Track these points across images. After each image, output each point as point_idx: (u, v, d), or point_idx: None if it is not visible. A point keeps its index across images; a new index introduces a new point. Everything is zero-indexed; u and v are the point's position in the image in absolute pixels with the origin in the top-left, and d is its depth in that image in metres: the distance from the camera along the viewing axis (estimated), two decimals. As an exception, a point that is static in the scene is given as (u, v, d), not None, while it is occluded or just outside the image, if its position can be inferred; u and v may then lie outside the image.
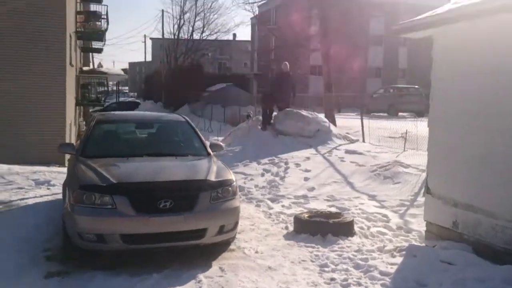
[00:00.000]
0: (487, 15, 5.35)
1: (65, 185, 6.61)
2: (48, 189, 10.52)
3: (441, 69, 6.56)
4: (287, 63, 16.23)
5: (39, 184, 10.93)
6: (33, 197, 9.43)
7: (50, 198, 9.34)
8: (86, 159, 6.68)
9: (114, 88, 42.62)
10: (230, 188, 6.21)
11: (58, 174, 11.92)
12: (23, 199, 9.29)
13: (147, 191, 5.77)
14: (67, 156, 15.21)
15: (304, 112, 15.70)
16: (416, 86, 30.98)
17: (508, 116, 5.41)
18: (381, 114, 27.22)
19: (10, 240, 6.58)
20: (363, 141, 15.28)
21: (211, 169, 6.42)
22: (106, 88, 28.29)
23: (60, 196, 9.14)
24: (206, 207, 5.87)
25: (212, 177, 6.19)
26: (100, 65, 31.79)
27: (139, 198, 5.66)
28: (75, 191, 5.74)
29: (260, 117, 16.21)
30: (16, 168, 12.29)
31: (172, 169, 6.58)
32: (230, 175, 6.53)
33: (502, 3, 5.08)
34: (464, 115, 6.10)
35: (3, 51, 15.16)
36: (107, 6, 26.09)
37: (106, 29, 25.91)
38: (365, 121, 16.07)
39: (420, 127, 13.04)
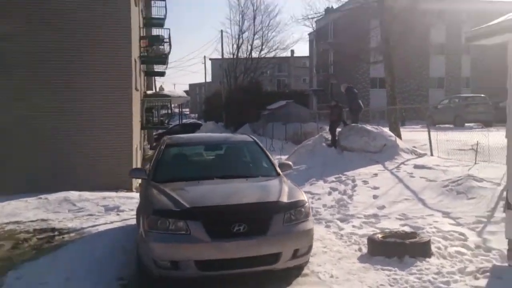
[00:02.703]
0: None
1: (139, 211, 6.66)
2: (118, 215, 10.75)
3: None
4: (343, 84, 17.26)
5: (108, 210, 11.23)
6: (104, 224, 9.65)
7: (120, 224, 9.53)
8: (158, 183, 6.72)
9: (176, 110, 43.40)
10: (303, 209, 6.09)
11: (126, 200, 12.19)
12: (94, 226, 9.53)
13: (221, 215, 5.72)
14: (135, 181, 15.66)
15: (369, 127, 15.49)
16: (482, 95, 29.96)
17: None
18: (447, 125, 26.44)
19: (83, 268, 6.72)
20: (431, 154, 14.81)
21: (282, 190, 6.33)
22: (169, 111, 28.77)
23: (129, 222, 9.36)
24: (280, 230, 5.77)
25: (285, 198, 6.09)
26: (161, 88, 32.34)
27: (213, 222, 5.60)
28: (149, 217, 5.76)
29: (325, 134, 16.17)
30: (86, 194, 12.66)
31: (244, 191, 6.51)
32: (303, 196, 6.41)
33: None
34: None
35: (71, 78, 15.61)
36: (169, 29, 26.74)
37: (169, 52, 26.50)
38: (432, 133, 15.63)
39: (491, 138, 12.58)
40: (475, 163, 12.40)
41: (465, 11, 43.74)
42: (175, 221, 5.59)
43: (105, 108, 15.98)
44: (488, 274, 5.71)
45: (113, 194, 13.24)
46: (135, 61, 18.73)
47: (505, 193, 6.89)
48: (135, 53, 19.14)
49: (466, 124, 26.29)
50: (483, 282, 5.53)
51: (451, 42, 47.89)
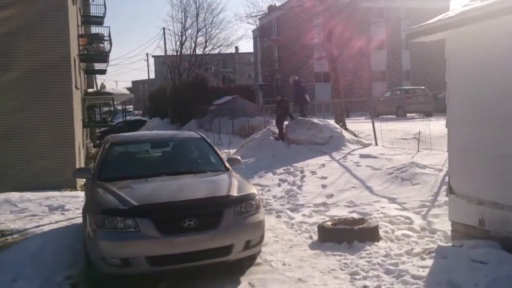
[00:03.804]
0: (493, 16, 5.35)
1: (85, 210, 6.47)
2: (63, 214, 10.34)
3: (456, 70, 6.52)
4: (292, 76, 17.82)
5: (52, 210, 10.74)
6: (48, 224, 9.25)
7: (65, 223, 9.18)
8: (103, 182, 6.58)
9: (119, 107, 42.51)
10: (253, 202, 6.13)
11: (71, 199, 11.80)
12: (38, 226, 9.11)
13: (170, 211, 5.67)
14: (79, 180, 15.29)
15: (315, 120, 15.75)
16: (423, 87, 30.95)
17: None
18: (390, 116, 27.13)
19: (30, 269, 6.46)
20: (376, 144, 15.16)
21: (232, 184, 6.34)
22: (112, 109, 28.25)
23: (75, 221, 9.08)
24: (231, 223, 5.78)
25: (235, 192, 6.11)
26: (103, 86, 31.73)
27: (163, 219, 5.57)
28: (96, 216, 5.64)
29: (272, 128, 16.29)
30: (28, 195, 12.10)
31: (193, 186, 6.47)
32: (252, 189, 6.45)
33: (505, 6, 5.13)
34: (482, 112, 6.03)
35: (10, 77, 15.03)
36: (109, 27, 26.56)
37: (109, 50, 26.11)
38: (376, 124, 16.01)
39: (432, 127, 13.01)
40: (418, 151, 12.80)
41: (403, 8, 45.03)
42: (123, 219, 5.50)
43: (46, 107, 15.56)
44: (433, 254, 5.91)
45: (56, 193, 12.79)
46: (75, 59, 18.34)
47: (447, 178, 7.13)
48: (74, 51, 18.74)
49: (408, 115, 27.11)
50: (429, 262, 5.72)
51: (391, 37, 49.15)
